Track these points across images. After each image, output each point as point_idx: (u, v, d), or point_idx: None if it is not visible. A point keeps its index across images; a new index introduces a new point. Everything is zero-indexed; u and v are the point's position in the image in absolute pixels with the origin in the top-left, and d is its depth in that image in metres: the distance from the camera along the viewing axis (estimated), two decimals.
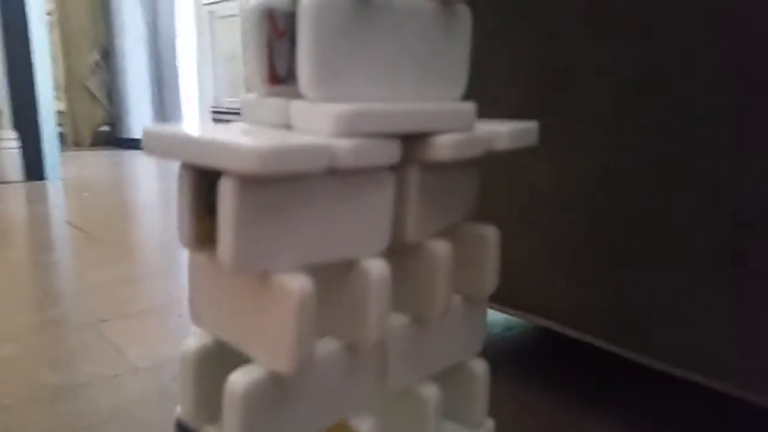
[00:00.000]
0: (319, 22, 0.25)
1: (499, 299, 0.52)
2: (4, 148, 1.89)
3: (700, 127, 0.41)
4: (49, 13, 2.53)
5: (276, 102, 0.27)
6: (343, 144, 0.24)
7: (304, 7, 0.25)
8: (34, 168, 1.90)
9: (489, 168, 0.36)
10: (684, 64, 0.42)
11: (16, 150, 1.90)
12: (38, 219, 1.43)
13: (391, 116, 0.26)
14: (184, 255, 0.29)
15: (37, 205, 1.59)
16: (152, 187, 2.05)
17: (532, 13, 0.50)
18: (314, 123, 0.25)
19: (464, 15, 0.30)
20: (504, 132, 0.31)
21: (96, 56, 2.98)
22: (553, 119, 0.47)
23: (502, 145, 0.31)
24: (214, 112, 4.47)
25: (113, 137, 3.00)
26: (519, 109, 0.52)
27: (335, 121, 0.25)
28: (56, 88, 2.84)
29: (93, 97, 3.00)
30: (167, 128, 0.24)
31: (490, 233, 0.33)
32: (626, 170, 0.46)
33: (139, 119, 2.96)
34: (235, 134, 0.24)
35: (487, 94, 0.35)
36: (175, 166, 0.25)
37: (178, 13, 2.96)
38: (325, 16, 0.25)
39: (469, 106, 0.30)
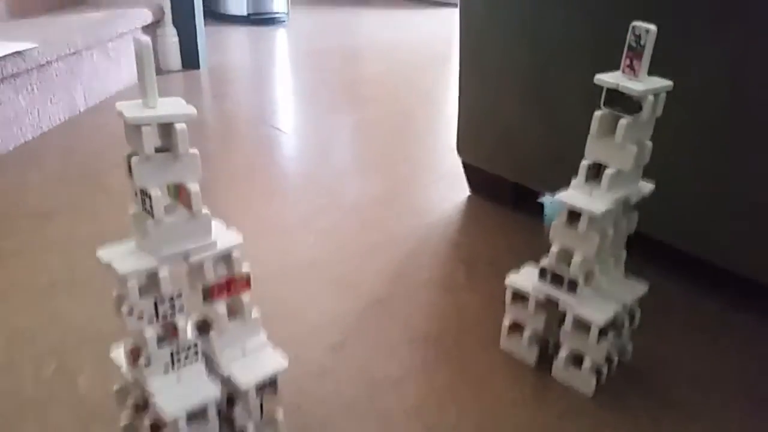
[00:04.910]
0: None
1: None
2: (168, 42, 2.24)
3: None
4: None
5: None
6: None
7: None
8: (190, 59, 2.27)
9: None
10: None
11: (176, 43, 2.25)
12: (248, 122, 1.83)
13: None
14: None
15: (219, 100, 1.98)
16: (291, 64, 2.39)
17: None
18: None
19: None
20: None
21: None
22: None
23: None
24: None
25: (209, 11, 3.28)
26: None
27: None
28: None
29: None
30: None
31: None
32: None
33: None
34: None
35: None
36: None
37: None
38: None
39: None
